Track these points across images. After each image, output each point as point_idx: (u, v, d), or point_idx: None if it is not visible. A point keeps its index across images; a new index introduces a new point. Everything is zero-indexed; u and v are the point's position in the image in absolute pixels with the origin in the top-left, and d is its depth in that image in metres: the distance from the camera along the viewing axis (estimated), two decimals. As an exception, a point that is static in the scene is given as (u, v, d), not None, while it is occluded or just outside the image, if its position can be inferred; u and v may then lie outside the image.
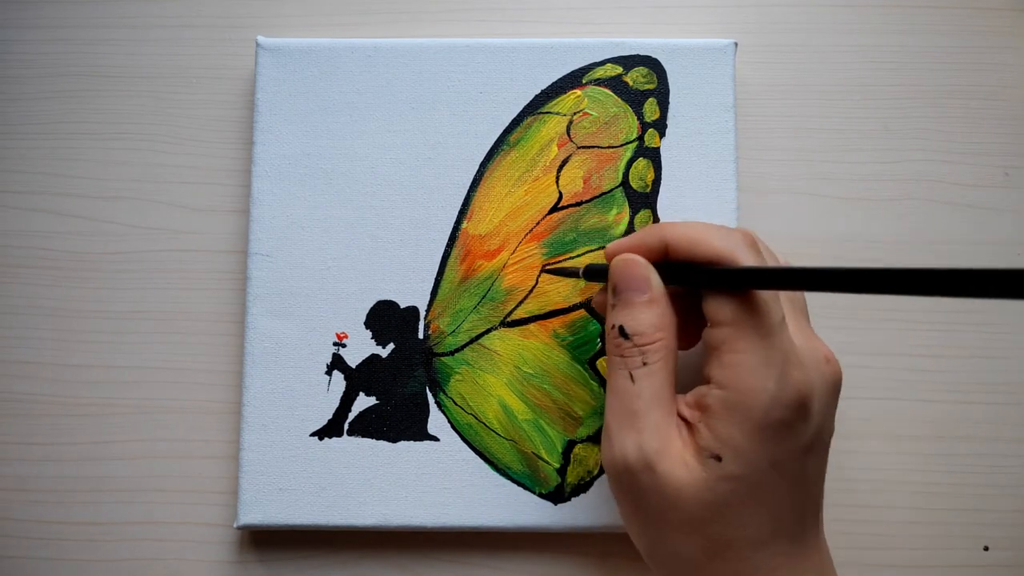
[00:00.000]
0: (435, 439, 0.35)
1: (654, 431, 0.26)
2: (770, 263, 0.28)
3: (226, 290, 0.38)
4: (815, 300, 0.38)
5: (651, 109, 0.37)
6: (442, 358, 0.36)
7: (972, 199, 0.38)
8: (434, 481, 0.35)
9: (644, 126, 0.37)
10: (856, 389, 0.37)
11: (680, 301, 0.28)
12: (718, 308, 0.26)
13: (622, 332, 0.27)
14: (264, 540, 0.36)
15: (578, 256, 0.36)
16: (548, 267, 0.35)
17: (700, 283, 0.27)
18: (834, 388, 0.26)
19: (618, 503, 0.28)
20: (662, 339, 0.27)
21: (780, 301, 0.26)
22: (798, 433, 0.25)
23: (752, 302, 0.25)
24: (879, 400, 0.37)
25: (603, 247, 0.36)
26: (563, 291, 0.36)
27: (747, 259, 0.26)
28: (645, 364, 0.27)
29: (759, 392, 0.24)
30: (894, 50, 0.39)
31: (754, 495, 0.25)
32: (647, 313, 0.27)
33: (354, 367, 0.35)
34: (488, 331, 0.36)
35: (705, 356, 0.27)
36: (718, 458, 0.25)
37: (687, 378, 0.29)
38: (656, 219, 0.36)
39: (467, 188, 0.36)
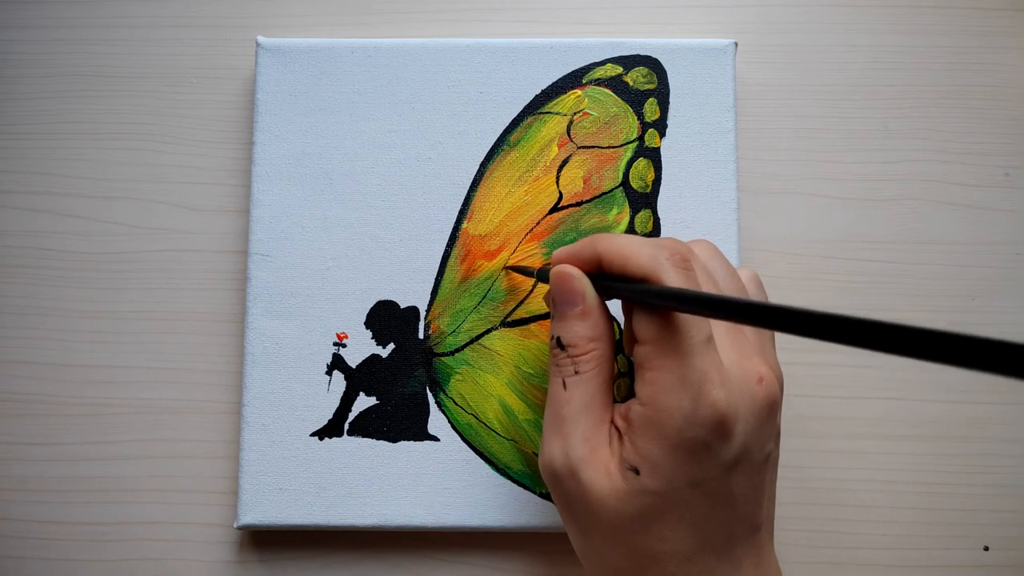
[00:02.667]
0: (435, 439, 0.35)
1: (580, 439, 0.26)
2: (705, 283, 0.27)
3: (226, 290, 0.38)
4: (815, 303, 0.38)
5: (651, 109, 0.37)
6: (442, 358, 0.36)
7: (972, 199, 0.38)
8: (434, 481, 0.35)
9: (644, 126, 0.37)
10: (856, 389, 0.37)
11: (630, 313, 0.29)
12: (642, 325, 0.26)
13: (558, 343, 0.28)
14: (264, 540, 0.36)
15: (578, 256, 0.36)
16: (508, 265, 0.36)
17: (625, 298, 0.27)
18: (765, 408, 0.26)
19: (556, 506, 0.29)
20: (595, 349, 0.27)
21: (711, 321, 0.26)
22: (717, 453, 0.25)
23: (673, 321, 0.25)
24: (879, 400, 0.37)
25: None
26: (563, 291, 0.36)
27: (673, 278, 0.25)
28: (577, 373, 0.27)
29: (673, 411, 0.25)
30: (894, 50, 0.39)
31: (674, 511, 0.25)
32: (579, 325, 0.28)
33: (354, 367, 0.35)
34: (488, 331, 0.36)
35: (635, 371, 0.27)
36: (636, 471, 0.25)
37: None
38: (656, 219, 0.36)
39: (467, 188, 0.36)
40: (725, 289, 0.28)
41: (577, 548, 0.29)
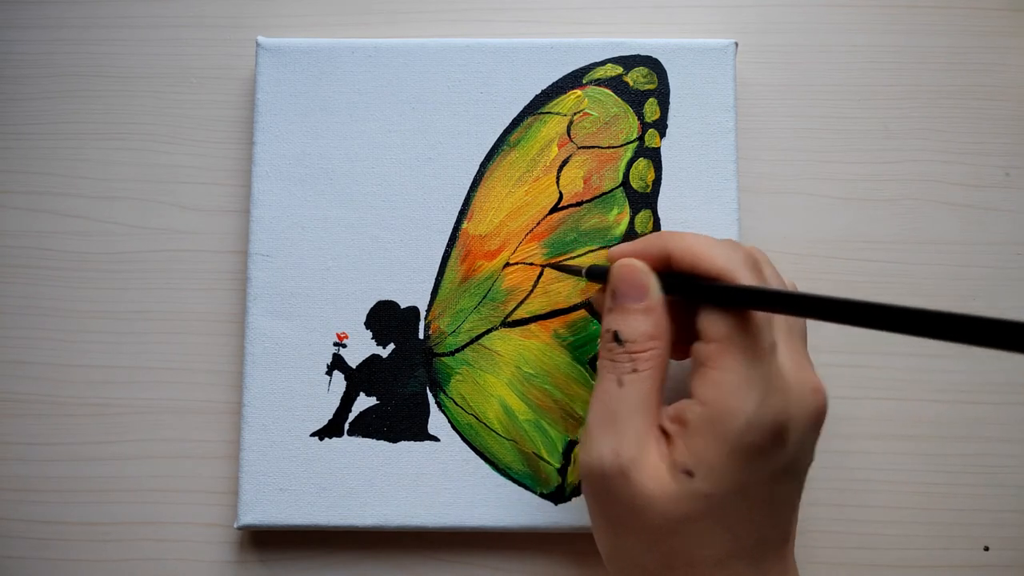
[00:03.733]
0: (435, 439, 0.35)
1: (633, 438, 0.26)
2: (773, 285, 0.27)
3: (226, 290, 0.38)
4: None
5: (651, 109, 0.37)
6: (442, 358, 0.36)
7: (972, 199, 0.38)
8: (434, 481, 0.35)
9: (644, 126, 0.37)
10: (856, 389, 0.37)
11: (677, 312, 0.28)
12: (711, 324, 0.26)
13: (616, 338, 0.27)
14: (264, 540, 0.36)
15: (579, 256, 0.36)
16: (552, 264, 0.36)
17: (698, 297, 0.27)
18: (816, 419, 0.26)
19: (588, 504, 0.28)
20: (655, 348, 0.27)
21: (774, 327, 0.26)
22: (771, 458, 0.25)
23: (745, 323, 0.25)
24: (879, 400, 0.37)
25: (604, 247, 0.36)
26: (564, 291, 0.36)
27: (747, 278, 0.26)
28: (635, 371, 0.26)
29: (737, 413, 0.24)
30: (894, 50, 0.39)
31: (718, 514, 0.25)
32: (643, 321, 0.27)
33: (354, 367, 0.35)
34: (489, 331, 0.36)
35: (692, 370, 0.27)
36: (690, 474, 0.25)
37: (674, 392, 0.30)
38: (656, 219, 0.36)
39: (467, 188, 0.36)
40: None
41: (605, 548, 0.28)
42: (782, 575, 0.27)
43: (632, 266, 0.28)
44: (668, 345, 0.27)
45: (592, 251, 0.36)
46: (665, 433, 0.26)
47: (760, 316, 0.26)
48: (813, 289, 0.38)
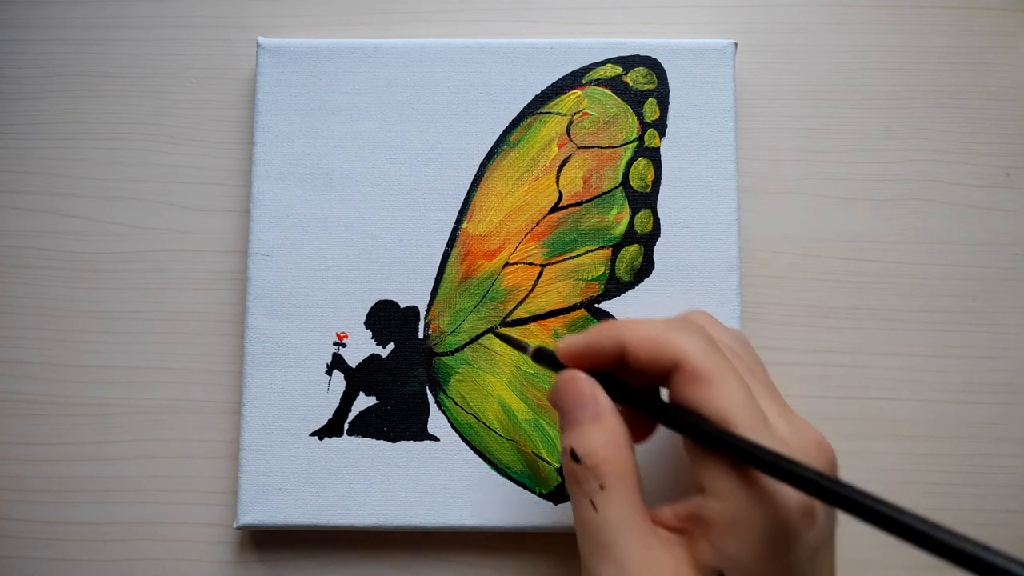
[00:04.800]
0: (435, 439, 0.35)
1: (635, 560, 0.23)
2: (727, 355, 0.25)
3: (226, 290, 0.38)
4: (815, 303, 0.38)
5: (651, 109, 0.37)
6: (442, 358, 0.36)
7: (972, 199, 0.38)
8: (434, 481, 0.35)
9: (644, 126, 0.37)
10: (856, 389, 0.37)
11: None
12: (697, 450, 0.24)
13: (573, 456, 0.25)
14: (264, 540, 0.36)
15: (578, 256, 0.36)
16: (498, 332, 0.35)
17: (660, 418, 0.25)
18: (832, 473, 0.24)
19: None
20: (616, 458, 0.24)
21: (752, 394, 0.24)
22: (806, 539, 0.23)
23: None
24: (879, 400, 0.37)
25: (604, 247, 0.36)
26: (563, 291, 0.36)
27: (709, 361, 0.24)
28: (603, 488, 0.24)
29: (762, 508, 0.22)
30: (894, 50, 0.39)
31: None
32: (596, 432, 0.25)
33: (354, 367, 0.35)
34: (488, 331, 0.36)
35: (693, 463, 0.25)
36: (721, 574, 0.23)
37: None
38: (656, 219, 0.36)
39: (467, 188, 0.36)
40: (741, 356, 0.27)
41: None
42: None
43: (573, 378, 0.26)
44: (630, 451, 0.25)
45: (592, 251, 0.36)
46: (674, 531, 0.24)
47: (742, 392, 0.24)
48: (814, 289, 0.38)
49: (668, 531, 0.25)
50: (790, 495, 0.23)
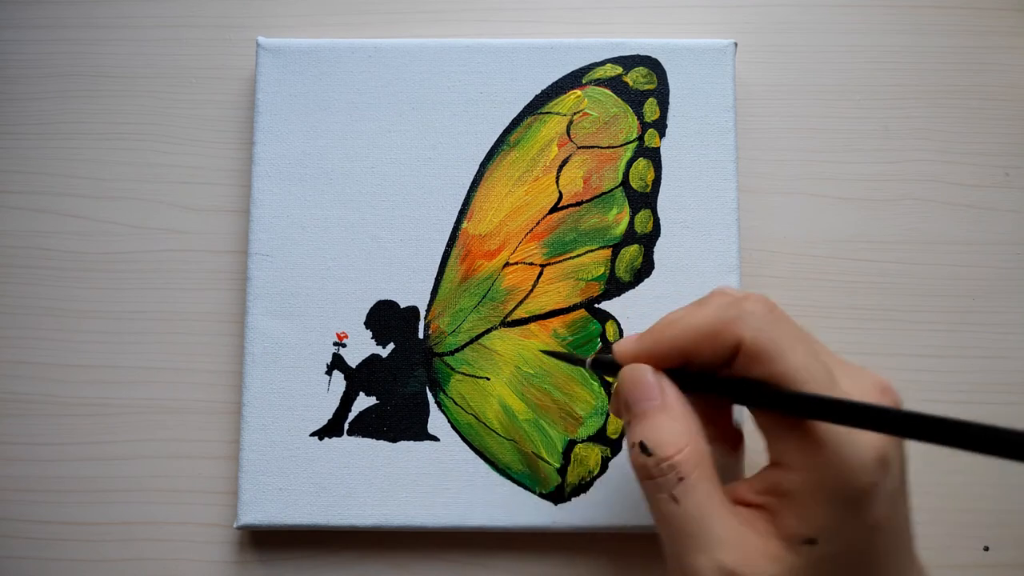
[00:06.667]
0: (435, 439, 0.35)
1: (726, 544, 0.23)
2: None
3: (226, 290, 0.38)
4: (815, 303, 0.38)
5: (651, 109, 0.37)
6: (442, 358, 0.36)
7: (972, 199, 0.38)
8: (434, 481, 0.35)
9: (644, 126, 0.37)
10: (856, 389, 0.37)
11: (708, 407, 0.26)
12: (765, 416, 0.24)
13: (644, 449, 0.24)
14: (264, 540, 0.36)
15: (578, 256, 0.36)
16: (550, 352, 0.35)
17: (724, 394, 0.25)
18: None
19: None
20: (690, 446, 0.24)
21: (815, 355, 0.24)
22: (886, 488, 0.23)
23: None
24: (879, 400, 0.37)
25: (604, 247, 0.36)
26: (563, 291, 0.36)
27: (764, 335, 0.24)
28: (681, 479, 0.23)
29: (839, 465, 0.22)
30: (894, 50, 0.39)
31: (855, 563, 0.23)
32: (666, 421, 0.24)
33: (354, 367, 0.35)
34: (488, 331, 0.36)
35: (767, 439, 0.25)
36: (813, 542, 0.23)
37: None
38: (656, 219, 0.36)
39: (467, 188, 0.36)
40: (788, 319, 0.26)
41: None
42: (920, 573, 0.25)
43: (636, 370, 0.25)
44: (703, 439, 0.24)
45: (592, 251, 0.36)
46: (755, 507, 0.24)
47: (807, 359, 0.24)
48: (813, 289, 0.38)
49: (748, 508, 0.24)
50: (863, 449, 0.22)
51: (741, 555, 0.23)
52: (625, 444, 0.34)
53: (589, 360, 0.29)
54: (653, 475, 0.24)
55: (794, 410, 0.23)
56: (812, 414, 0.22)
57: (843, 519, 0.23)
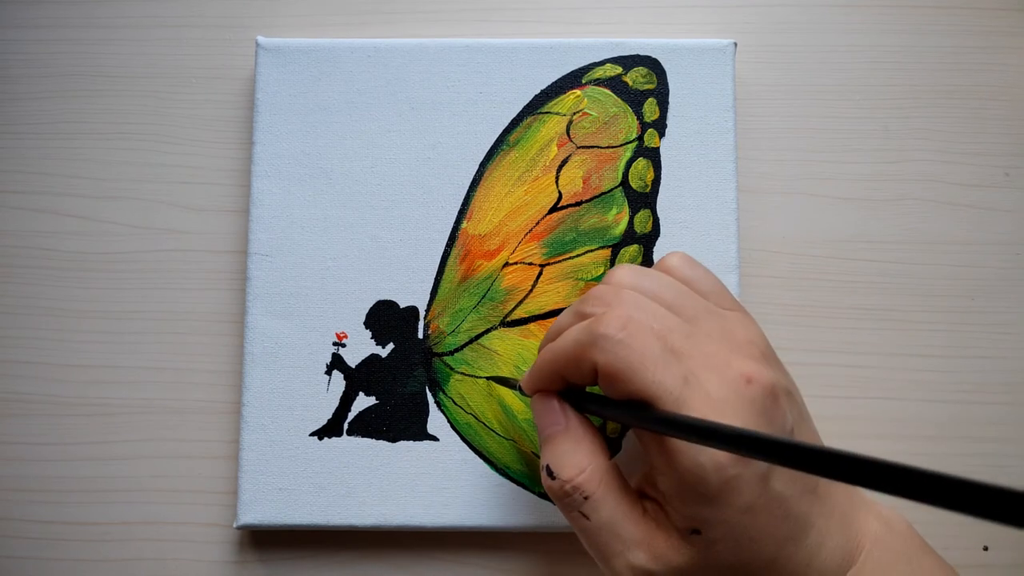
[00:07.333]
0: (435, 439, 0.35)
1: (637, 545, 0.25)
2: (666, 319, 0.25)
3: (226, 290, 0.38)
4: (814, 303, 0.38)
5: (651, 109, 0.37)
6: (442, 358, 0.36)
7: (972, 199, 0.38)
8: (434, 481, 0.35)
9: (644, 126, 0.37)
10: (856, 389, 0.37)
11: None
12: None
13: (549, 472, 0.26)
14: (264, 540, 0.36)
15: (578, 256, 0.36)
16: (491, 377, 0.35)
17: (618, 418, 0.25)
18: (763, 409, 0.24)
19: None
20: (591, 464, 0.25)
21: (668, 367, 0.24)
22: (748, 475, 0.23)
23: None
24: (879, 400, 0.37)
25: (604, 247, 0.36)
26: (563, 291, 0.36)
27: (602, 356, 0.24)
28: (587, 498, 0.25)
29: (695, 471, 0.23)
30: (894, 50, 0.39)
31: (747, 540, 0.24)
32: (566, 444, 0.26)
33: (354, 367, 0.35)
34: (488, 331, 0.36)
35: (640, 444, 0.26)
36: (697, 531, 0.24)
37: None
38: (655, 219, 0.36)
39: (467, 188, 0.36)
40: (661, 295, 0.26)
41: None
42: (845, 492, 0.26)
43: (539, 397, 0.28)
44: (603, 455, 0.26)
45: (591, 251, 0.36)
46: (653, 501, 0.25)
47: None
48: (813, 289, 0.38)
49: (652, 500, 0.26)
50: (714, 453, 0.23)
51: (651, 553, 0.24)
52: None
53: (519, 383, 0.30)
54: (560, 496, 0.26)
55: (645, 426, 0.24)
56: (660, 430, 0.23)
57: (713, 511, 0.24)
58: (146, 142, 0.39)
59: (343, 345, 0.36)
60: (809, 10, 0.40)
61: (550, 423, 0.27)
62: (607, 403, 0.26)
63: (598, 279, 0.36)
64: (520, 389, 0.30)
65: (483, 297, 0.36)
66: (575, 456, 0.26)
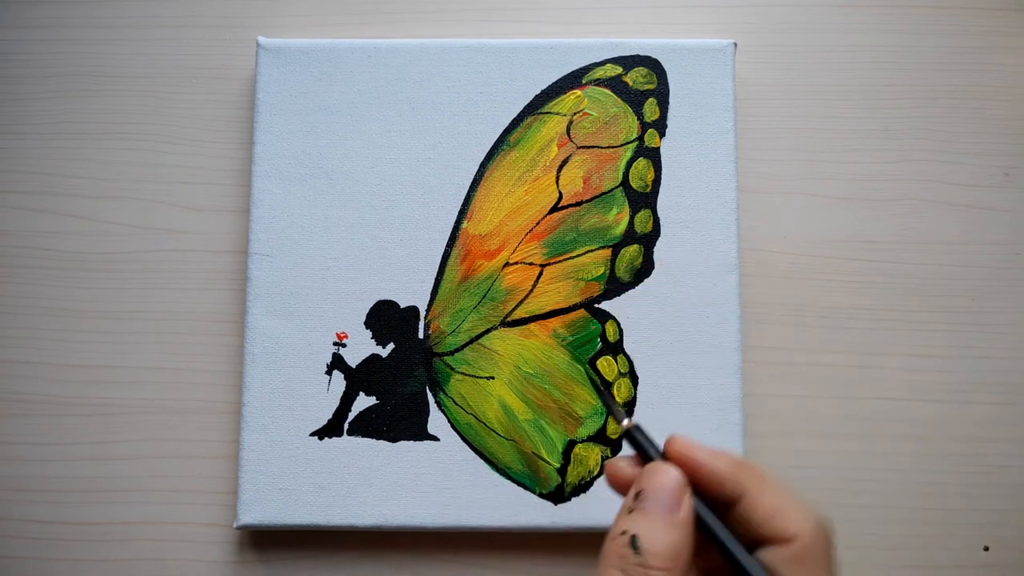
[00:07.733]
0: (435, 439, 0.35)
1: None
2: None
3: (226, 290, 0.38)
4: (814, 303, 0.38)
5: (651, 109, 0.37)
6: (442, 358, 0.36)
7: (972, 199, 0.38)
8: (434, 481, 0.35)
9: (644, 126, 0.37)
10: (856, 389, 0.37)
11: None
12: None
13: (633, 543, 0.23)
14: (264, 540, 0.36)
15: (578, 256, 0.36)
16: (602, 395, 0.34)
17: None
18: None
19: None
20: (675, 568, 0.23)
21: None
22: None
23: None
24: (880, 400, 0.37)
25: (604, 247, 0.36)
26: (563, 291, 0.36)
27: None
28: None
29: (816, 532, 0.24)
30: (894, 50, 0.39)
31: None
32: (671, 533, 0.23)
33: (354, 367, 0.35)
34: (488, 331, 0.36)
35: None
36: None
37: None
38: (656, 219, 0.36)
39: (467, 188, 0.36)
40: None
41: None
42: None
43: (668, 472, 0.25)
44: (689, 563, 0.24)
45: (592, 251, 0.36)
46: None
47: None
48: (813, 289, 0.38)
49: None
50: (821, 517, 0.24)
51: None
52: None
53: (627, 425, 0.27)
54: (627, 570, 0.23)
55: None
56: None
57: None
58: (146, 142, 0.39)
59: (343, 345, 0.35)
60: (809, 10, 0.40)
61: (668, 501, 0.24)
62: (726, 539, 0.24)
63: (599, 279, 0.36)
64: (622, 432, 0.27)
65: (483, 297, 0.36)
66: (672, 548, 0.23)
